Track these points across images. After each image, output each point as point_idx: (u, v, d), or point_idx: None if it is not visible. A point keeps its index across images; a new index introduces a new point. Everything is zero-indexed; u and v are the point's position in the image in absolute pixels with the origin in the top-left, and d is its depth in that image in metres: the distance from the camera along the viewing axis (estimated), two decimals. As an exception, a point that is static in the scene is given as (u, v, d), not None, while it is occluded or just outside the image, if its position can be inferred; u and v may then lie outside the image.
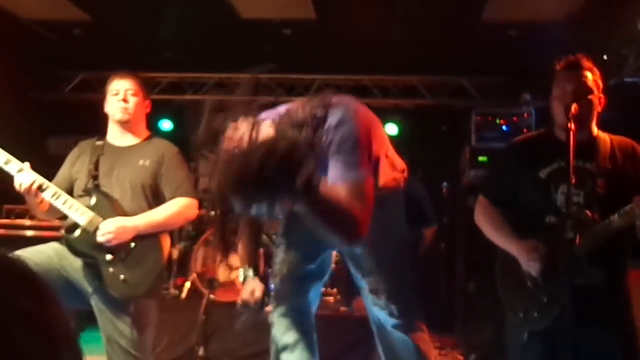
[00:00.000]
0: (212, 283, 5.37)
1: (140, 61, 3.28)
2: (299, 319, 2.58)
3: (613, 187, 2.35)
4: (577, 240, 2.13)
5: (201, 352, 5.02)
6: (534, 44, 5.55)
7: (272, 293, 3.33)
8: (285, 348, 2.58)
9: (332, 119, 1.97)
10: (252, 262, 2.71)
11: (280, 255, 2.58)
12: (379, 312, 2.51)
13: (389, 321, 2.50)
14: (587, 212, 2.26)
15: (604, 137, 2.49)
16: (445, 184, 6.41)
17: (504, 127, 6.29)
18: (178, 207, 3.11)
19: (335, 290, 6.24)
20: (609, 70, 5.84)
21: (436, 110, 7.64)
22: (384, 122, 7.77)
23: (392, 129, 7.82)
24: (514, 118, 6.32)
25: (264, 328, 5.31)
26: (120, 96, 3.12)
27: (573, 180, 2.15)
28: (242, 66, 7.56)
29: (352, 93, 7.68)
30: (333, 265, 6.48)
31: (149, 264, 3.01)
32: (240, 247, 2.81)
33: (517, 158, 2.61)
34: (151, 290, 3.02)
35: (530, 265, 2.35)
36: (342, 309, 5.65)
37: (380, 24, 6.00)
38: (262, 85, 7.95)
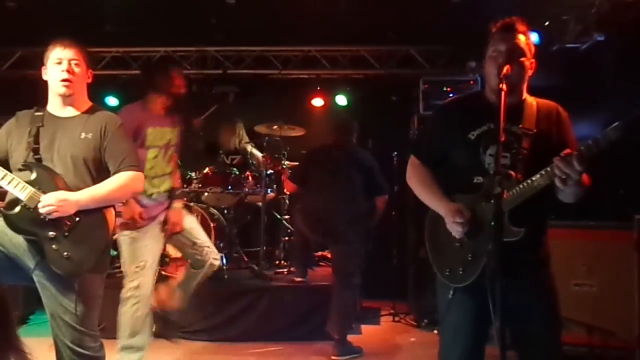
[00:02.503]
0: (163, 259, 5.30)
1: (81, 35, 3.16)
2: None
3: (537, 150, 2.41)
4: (504, 194, 2.19)
5: (154, 328, 4.97)
6: (477, 12, 5.58)
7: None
8: None
9: None
10: None
11: None
12: None
13: None
14: (512, 172, 2.31)
15: (531, 100, 2.55)
16: (395, 153, 6.45)
17: (451, 95, 6.37)
18: (123, 180, 3.03)
19: (288, 262, 6.29)
20: (550, 36, 5.98)
21: (385, 80, 7.67)
22: (334, 93, 7.80)
23: (342, 100, 7.83)
24: (460, 85, 6.42)
25: (217, 302, 5.38)
26: (64, 66, 3.00)
27: (502, 139, 2.19)
28: (188, 39, 7.45)
29: (300, 64, 7.74)
30: (286, 238, 6.60)
31: (93, 239, 2.93)
32: None
33: (447, 119, 2.64)
34: (96, 266, 2.94)
35: (453, 228, 2.42)
36: (298, 279, 5.70)
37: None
38: (210, 58, 7.85)
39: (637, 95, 5.04)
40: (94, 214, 2.94)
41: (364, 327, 5.94)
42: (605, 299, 4.69)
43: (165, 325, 4.59)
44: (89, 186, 2.96)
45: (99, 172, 3.04)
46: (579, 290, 4.79)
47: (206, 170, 6.12)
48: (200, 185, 6.03)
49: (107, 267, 3.12)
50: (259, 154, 6.61)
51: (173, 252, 5.48)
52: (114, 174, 3.04)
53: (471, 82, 6.48)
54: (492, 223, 2.18)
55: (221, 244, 5.82)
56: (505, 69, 2.34)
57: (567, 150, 2.19)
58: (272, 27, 6.86)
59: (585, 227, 4.87)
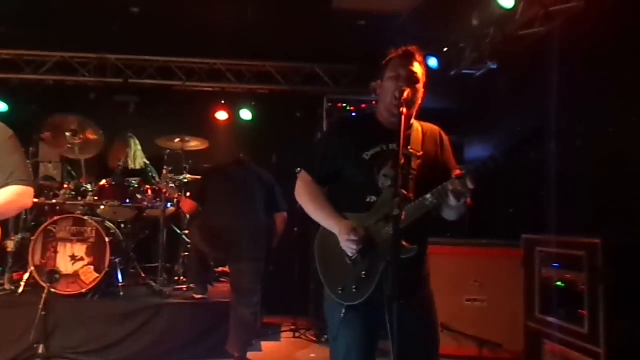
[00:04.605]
0: (52, 276, 5.01)
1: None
2: None
3: (424, 170, 2.52)
4: (403, 216, 2.23)
5: (41, 350, 4.68)
6: (382, 34, 5.77)
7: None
8: None
9: None
10: None
11: None
12: None
13: None
14: (403, 191, 2.38)
15: (417, 125, 2.67)
16: (299, 169, 6.48)
17: (353, 114, 6.51)
18: (11, 195, 2.82)
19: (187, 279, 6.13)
20: (449, 62, 6.27)
21: (290, 96, 7.72)
22: (238, 107, 7.75)
23: (246, 114, 7.79)
24: (363, 105, 6.58)
25: (111, 321, 5.14)
26: None
27: (401, 162, 2.26)
28: (87, 46, 7.17)
29: (205, 76, 7.64)
30: (186, 254, 6.42)
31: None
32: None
33: (341, 138, 2.65)
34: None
35: (347, 246, 2.43)
36: (198, 296, 5.56)
37: (233, 8, 5.93)
38: (110, 66, 7.57)
39: (526, 120, 5.38)
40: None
41: (264, 344, 5.88)
42: (494, 313, 4.93)
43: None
44: None
45: None
46: (471, 305, 5.01)
47: (103, 182, 5.86)
48: (96, 198, 5.76)
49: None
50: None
51: (64, 268, 5.19)
52: (1, 187, 2.84)
53: (374, 102, 6.62)
54: (391, 241, 2.21)
55: (117, 260, 5.57)
56: (407, 93, 2.42)
57: (458, 171, 2.28)
58: (177, 38, 6.73)
59: (478, 245, 5.10)
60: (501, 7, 5.07)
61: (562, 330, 4.00)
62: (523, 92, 5.66)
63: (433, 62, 5.89)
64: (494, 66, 5.88)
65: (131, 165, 6.38)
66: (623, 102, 4.26)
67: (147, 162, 6.49)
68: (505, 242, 5.00)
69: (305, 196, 2.66)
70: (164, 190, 5.80)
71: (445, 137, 2.69)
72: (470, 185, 2.24)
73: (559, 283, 4.12)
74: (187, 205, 5.54)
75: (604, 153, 4.37)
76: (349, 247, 2.42)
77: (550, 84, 4.60)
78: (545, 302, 4.30)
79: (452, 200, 2.29)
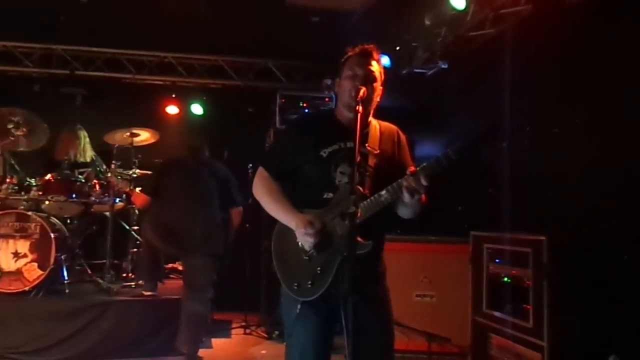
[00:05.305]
0: (-6, 273, 4.85)
1: None
2: None
3: (380, 167, 2.56)
4: (359, 214, 2.26)
5: (-18, 350, 4.52)
6: (335, 31, 5.79)
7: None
8: None
9: None
10: None
11: None
12: None
13: None
14: (359, 187, 2.42)
15: (375, 123, 2.71)
16: (251, 165, 6.45)
17: (306, 110, 6.53)
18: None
19: (136, 275, 6.01)
20: (401, 61, 6.34)
21: (242, 91, 7.67)
22: (189, 101, 7.65)
23: (197, 109, 7.70)
24: (316, 101, 6.61)
25: (56, 319, 5.00)
26: None
27: (357, 159, 2.29)
28: (32, 35, 6.94)
29: (155, 69, 7.51)
30: (134, 250, 6.30)
31: None
32: None
33: (299, 135, 2.68)
34: None
35: (304, 239, 2.45)
36: (147, 293, 5.45)
37: (185, 0, 5.84)
38: (56, 57, 7.37)
39: (476, 118, 5.50)
40: None
41: (214, 341, 5.83)
42: (443, 308, 5.02)
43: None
44: None
45: None
46: (420, 300, 5.09)
47: (48, 176, 5.66)
48: (40, 193, 5.57)
49: None
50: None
51: (6, 265, 5.02)
52: None
53: (326, 99, 6.70)
54: (346, 237, 2.23)
55: (62, 256, 5.41)
56: (362, 91, 2.45)
57: (412, 168, 2.33)
58: (126, 30, 6.58)
59: (427, 242, 5.19)
60: (453, 8, 5.18)
61: (508, 324, 4.12)
62: (473, 91, 5.78)
63: (385, 60, 5.95)
64: (445, 66, 5.99)
65: (80, 159, 6.21)
66: (568, 104, 4.41)
67: (95, 156, 6.33)
68: (454, 238, 5.11)
69: (263, 192, 2.66)
70: (115, 184, 5.65)
71: (403, 136, 2.74)
72: (423, 182, 2.28)
73: (505, 279, 4.24)
74: (140, 199, 5.38)
75: (550, 153, 4.51)
76: (305, 240, 2.43)
77: (499, 84, 4.73)
78: (492, 297, 4.43)
79: (406, 197, 2.33)
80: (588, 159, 4.16)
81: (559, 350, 3.69)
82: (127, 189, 5.56)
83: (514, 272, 4.14)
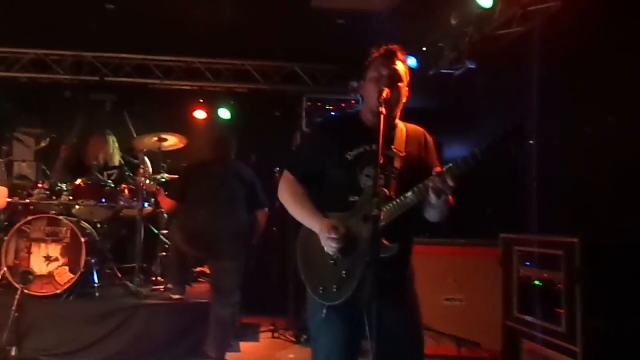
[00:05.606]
0: (26, 276, 4.92)
1: None
2: None
3: (406, 170, 2.52)
4: (382, 217, 2.23)
5: (14, 352, 4.60)
6: (360, 33, 5.75)
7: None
8: None
9: None
10: None
11: None
12: None
13: None
14: (385, 190, 2.40)
15: (401, 125, 2.67)
16: (277, 168, 6.45)
17: (332, 113, 6.51)
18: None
19: (165, 279, 6.05)
20: (428, 61, 6.28)
21: (269, 95, 7.69)
22: (217, 106, 7.70)
23: (224, 113, 7.74)
24: (342, 104, 6.59)
25: (86, 322, 5.06)
26: None
27: (380, 162, 2.26)
28: (63, 43, 7.04)
29: (183, 75, 7.58)
30: (163, 253, 6.34)
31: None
32: None
33: (325, 138, 2.66)
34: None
35: (328, 244, 2.42)
36: (175, 296, 5.49)
37: (212, 5, 5.88)
38: (86, 64, 7.45)
39: (504, 118, 5.41)
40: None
41: (242, 344, 5.83)
42: (472, 312, 4.95)
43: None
44: None
45: None
46: (450, 304, 5.02)
47: (78, 181, 5.75)
48: (70, 198, 5.66)
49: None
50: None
51: (37, 268, 5.10)
52: None
53: (352, 101, 6.67)
54: (370, 241, 2.20)
55: (92, 260, 5.48)
56: (385, 92, 2.42)
57: (438, 169, 2.29)
58: (154, 36, 6.66)
59: (456, 244, 5.12)
60: (480, 7, 5.10)
61: (540, 329, 4.02)
62: (501, 91, 5.69)
63: (412, 61, 5.89)
64: (473, 65, 5.90)
65: (110, 163, 6.30)
66: (600, 102, 4.30)
67: (124, 160, 6.41)
68: (484, 241, 5.03)
69: (288, 195, 2.65)
70: (142, 185, 5.70)
71: (430, 139, 2.70)
72: (450, 182, 2.24)
73: (536, 282, 4.14)
74: (167, 203, 5.45)
75: (581, 152, 4.41)
76: (329, 245, 2.40)
77: (528, 83, 4.63)
78: (523, 301, 4.32)
79: (432, 198, 2.29)
80: (621, 158, 4.05)
81: (592, 356, 3.58)
82: (154, 189, 5.62)
83: (545, 275, 4.04)
